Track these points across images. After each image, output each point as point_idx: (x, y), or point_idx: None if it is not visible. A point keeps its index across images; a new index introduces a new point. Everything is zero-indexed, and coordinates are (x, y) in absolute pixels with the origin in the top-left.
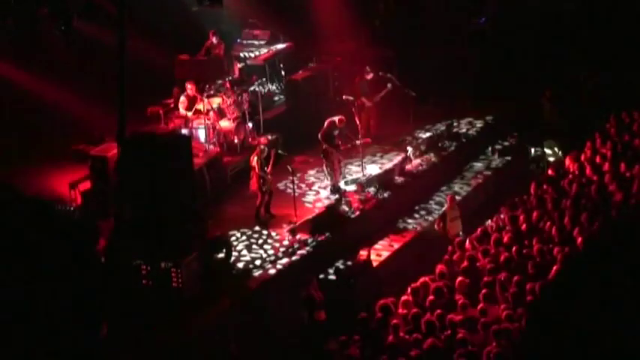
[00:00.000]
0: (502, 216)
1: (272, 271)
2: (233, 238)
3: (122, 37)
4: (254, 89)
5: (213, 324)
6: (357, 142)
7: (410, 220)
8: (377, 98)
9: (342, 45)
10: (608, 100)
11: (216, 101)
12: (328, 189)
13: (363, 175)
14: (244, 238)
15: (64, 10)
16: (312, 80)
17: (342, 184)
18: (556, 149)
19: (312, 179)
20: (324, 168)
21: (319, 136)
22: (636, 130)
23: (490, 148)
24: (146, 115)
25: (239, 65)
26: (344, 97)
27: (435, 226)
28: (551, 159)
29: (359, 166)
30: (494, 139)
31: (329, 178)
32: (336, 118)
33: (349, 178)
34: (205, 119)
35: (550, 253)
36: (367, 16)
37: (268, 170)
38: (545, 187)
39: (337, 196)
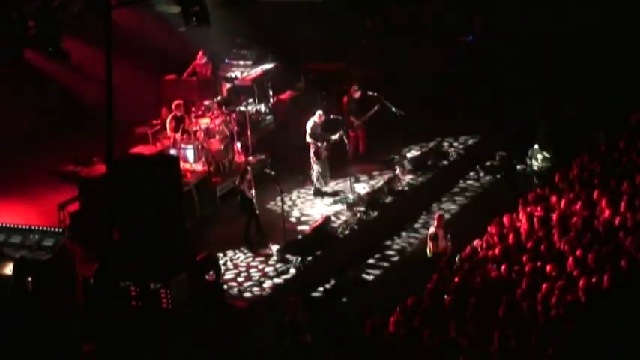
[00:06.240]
0: (491, 233)
1: (259, 292)
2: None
3: (109, 56)
4: (242, 109)
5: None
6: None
7: (398, 240)
8: (365, 117)
9: (330, 64)
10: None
11: (204, 122)
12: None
13: (352, 195)
14: (233, 258)
15: (52, 31)
16: (300, 100)
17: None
18: (545, 155)
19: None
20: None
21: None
22: (623, 148)
23: (478, 166)
24: (134, 137)
25: (227, 85)
26: (332, 116)
27: (428, 247)
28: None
29: (347, 185)
30: (483, 157)
31: (317, 180)
32: (316, 115)
33: (338, 198)
34: (193, 140)
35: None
36: (355, 34)
37: (254, 192)
38: (533, 204)
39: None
